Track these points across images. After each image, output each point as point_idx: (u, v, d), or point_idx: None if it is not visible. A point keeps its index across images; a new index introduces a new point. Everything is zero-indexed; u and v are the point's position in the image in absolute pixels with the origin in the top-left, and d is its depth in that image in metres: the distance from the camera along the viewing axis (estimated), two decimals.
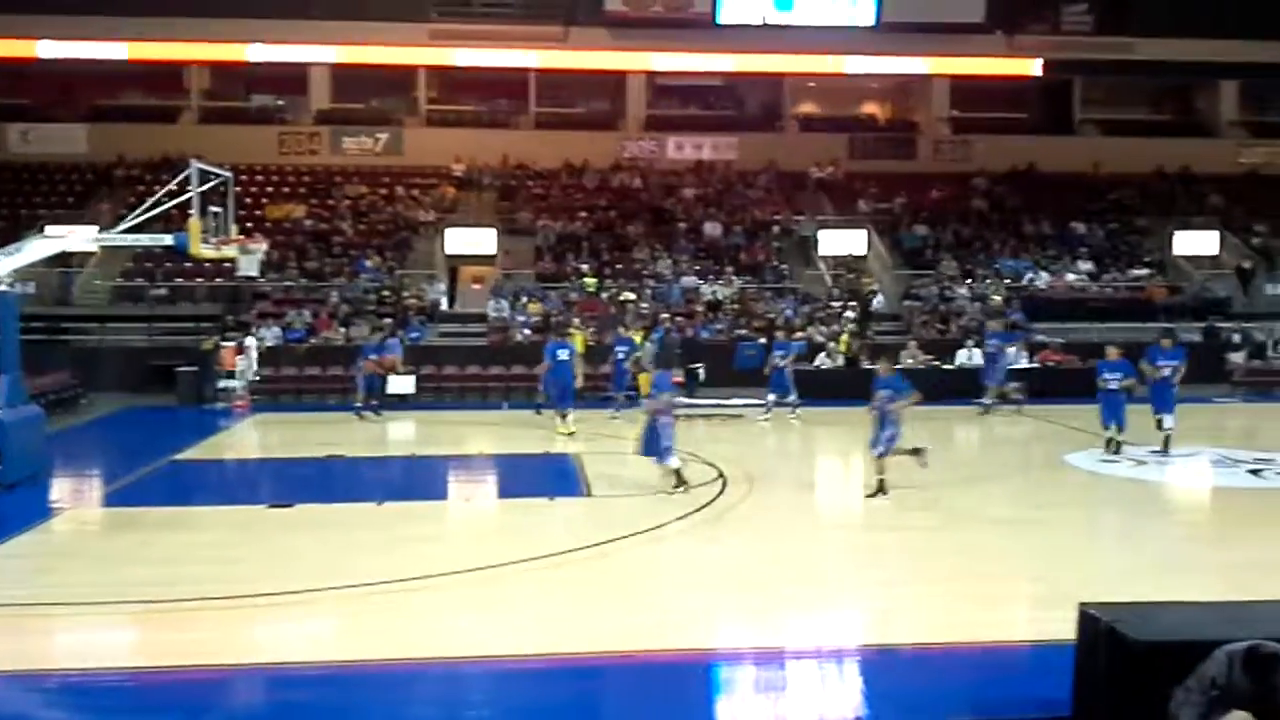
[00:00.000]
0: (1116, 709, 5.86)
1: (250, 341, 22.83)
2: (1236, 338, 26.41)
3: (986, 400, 21.43)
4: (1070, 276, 30.22)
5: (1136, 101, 39.47)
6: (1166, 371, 15.84)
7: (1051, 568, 9.83)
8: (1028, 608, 8.57)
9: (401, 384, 22.55)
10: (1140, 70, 35.86)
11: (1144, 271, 30.64)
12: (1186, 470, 15.26)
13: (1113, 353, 16.20)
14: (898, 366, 14.83)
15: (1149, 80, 37.83)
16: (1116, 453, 15.57)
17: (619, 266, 29.60)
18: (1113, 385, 15.69)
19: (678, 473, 12.94)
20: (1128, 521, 12.12)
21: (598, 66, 34.64)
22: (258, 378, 22.53)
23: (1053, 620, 7.45)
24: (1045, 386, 23.33)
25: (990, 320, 24.77)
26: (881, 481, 12.92)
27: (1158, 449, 15.75)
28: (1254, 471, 14.98)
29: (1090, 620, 6.23)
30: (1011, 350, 22.57)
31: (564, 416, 18.06)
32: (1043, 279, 29.74)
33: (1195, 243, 31.23)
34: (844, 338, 24.95)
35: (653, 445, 12.92)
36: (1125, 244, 32.29)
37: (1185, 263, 31.23)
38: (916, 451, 13.29)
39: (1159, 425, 15.76)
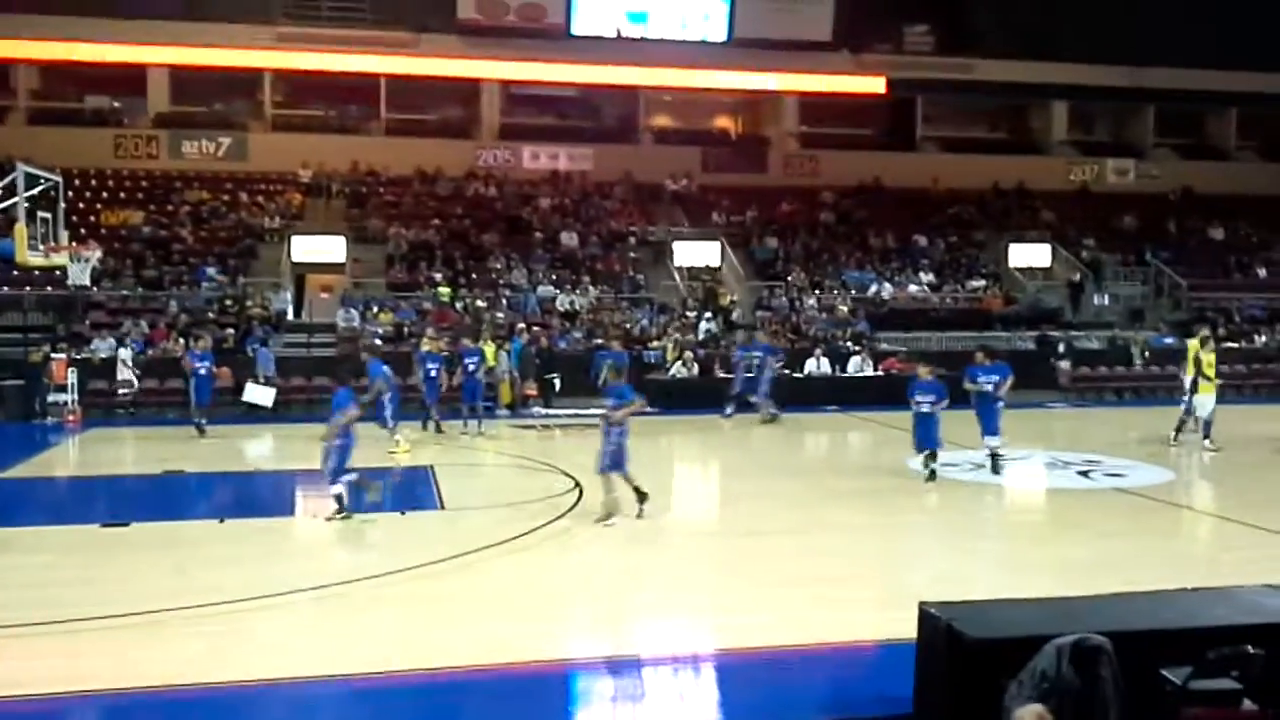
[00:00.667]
0: (955, 703, 6.06)
1: (124, 353, 21.87)
2: (1062, 347, 27.79)
3: (729, 410, 21.64)
4: (912, 288, 31.34)
5: (975, 120, 41.30)
6: (988, 388, 15.22)
7: (895, 569, 10.14)
8: (872, 609, 8.78)
9: (260, 395, 21.81)
10: (979, 90, 37.51)
11: (981, 283, 31.99)
12: (1020, 473, 15.93)
13: (924, 372, 15.37)
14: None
15: (987, 100, 39.57)
16: (931, 478, 14.46)
17: (474, 276, 29.32)
18: (924, 408, 14.61)
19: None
20: (966, 523, 12.59)
21: (451, 74, 34.29)
22: (130, 388, 21.79)
23: (896, 620, 7.66)
24: (889, 395, 24.08)
25: (756, 331, 24.88)
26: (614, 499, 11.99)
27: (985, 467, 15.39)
28: (1083, 473, 15.78)
29: (930, 619, 6.43)
30: (775, 363, 22.28)
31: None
32: (886, 290, 30.74)
33: (1029, 255, 32.86)
34: (669, 348, 25.25)
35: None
36: (964, 256, 33.68)
37: (1020, 275, 32.72)
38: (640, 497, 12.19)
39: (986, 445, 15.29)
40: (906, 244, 33.75)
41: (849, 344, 26.76)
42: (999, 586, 8.67)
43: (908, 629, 6.78)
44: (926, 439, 14.64)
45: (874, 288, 30.83)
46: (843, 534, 11.65)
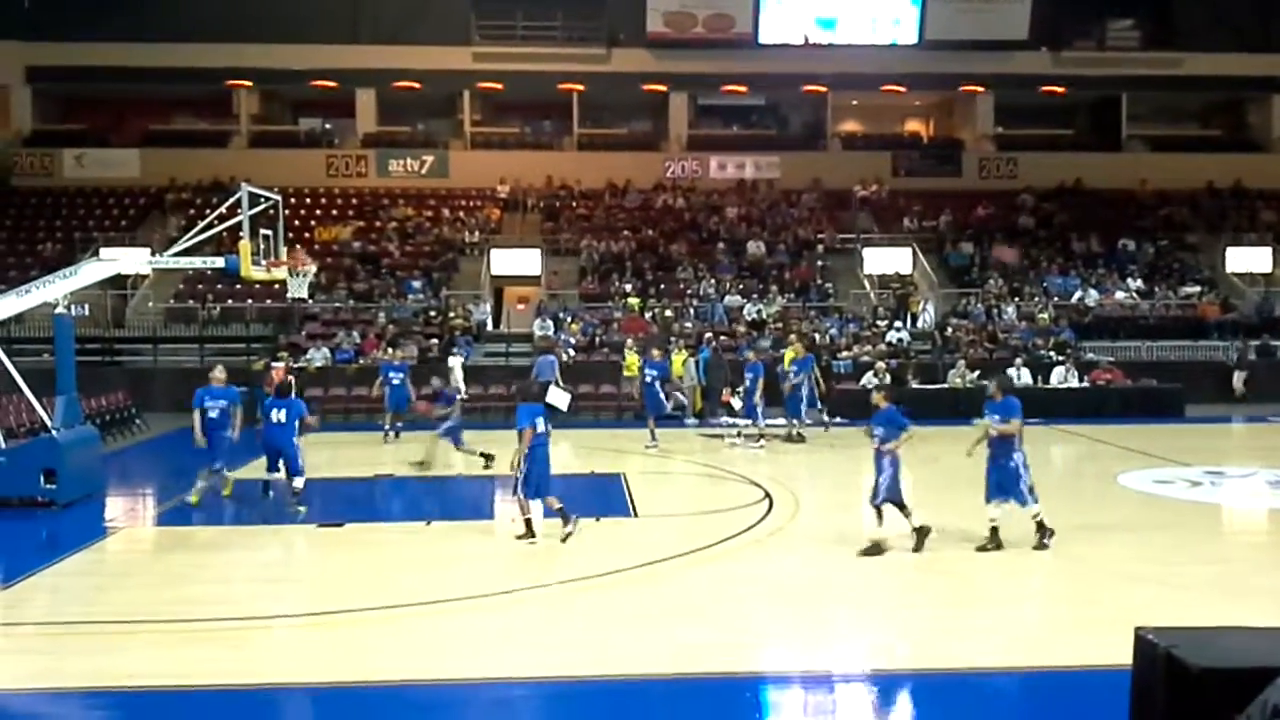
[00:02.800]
0: None
1: (454, 362, 23.03)
2: (1235, 356, 26.25)
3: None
4: (1120, 294, 29.87)
5: (1185, 117, 39.05)
6: (993, 432, 11.28)
7: (1105, 591, 9.68)
8: (1082, 632, 8.42)
9: (559, 398, 22.57)
10: (1189, 85, 35.52)
11: (1195, 289, 30.21)
12: (1243, 491, 14.98)
13: (994, 390, 11.84)
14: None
15: (1198, 95, 37.38)
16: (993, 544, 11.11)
17: (662, 286, 29.66)
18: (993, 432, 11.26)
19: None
20: (1183, 544, 11.89)
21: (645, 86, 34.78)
22: (465, 396, 23.04)
23: (1106, 645, 7.35)
24: (1096, 406, 23.14)
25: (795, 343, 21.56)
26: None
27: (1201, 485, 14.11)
28: None
29: (1147, 645, 6.12)
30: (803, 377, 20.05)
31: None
32: (1092, 296, 29.42)
33: (1248, 259, 30.77)
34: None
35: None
36: (1176, 261, 31.89)
37: (1238, 280, 30.77)
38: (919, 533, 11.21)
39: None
40: (1112, 248, 32.22)
41: (1051, 354, 25.73)
42: (1216, 613, 8.20)
43: (1118, 654, 6.49)
44: (999, 485, 11.19)
45: (1078, 294, 29.56)
46: (1046, 552, 11.20)
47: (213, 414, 13.78)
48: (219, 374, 14.30)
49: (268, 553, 11.48)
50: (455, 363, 22.51)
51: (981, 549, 11.07)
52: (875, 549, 10.99)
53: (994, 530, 11.19)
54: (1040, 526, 11.20)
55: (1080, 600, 9.43)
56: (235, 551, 11.51)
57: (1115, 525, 12.66)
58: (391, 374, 20.41)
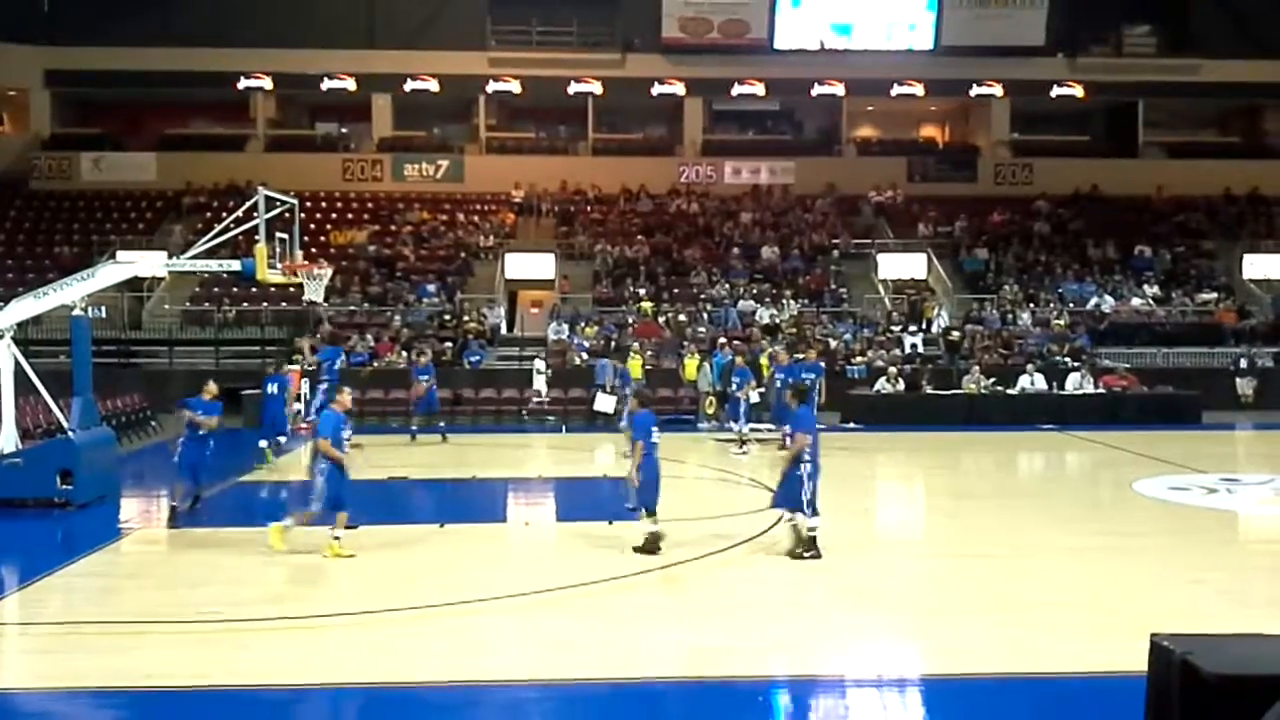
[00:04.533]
0: None
1: (539, 364, 23.84)
2: (1244, 363, 26.18)
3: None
4: (1136, 301, 29.75)
5: (1203, 124, 38.85)
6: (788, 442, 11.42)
7: (1120, 598, 9.63)
8: (1097, 638, 8.38)
9: (606, 403, 22.78)
10: (1206, 92, 35.36)
11: (1212, 295, 30.06)
12: (1259, 498, 14.88)
13: None
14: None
15: (1216, 102, 37.22)
16: None
17: (676, 290, 29.66)
18: None
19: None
20: (1200, 551, 11.81)
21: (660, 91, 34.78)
22: (546, 399, 23.47)
23: (1120, 651, 7.32)
24: (1112, 412, 23.08)
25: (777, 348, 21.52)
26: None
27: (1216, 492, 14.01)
28: None
29: (1162, 652, 6.08)
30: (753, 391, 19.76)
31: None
32: (1107, 303, 29.30)
33: (1265, 266, 30.60)
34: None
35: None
36: (1193, 267, 31.72)
37: (1255, 286, 30.60)
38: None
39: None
40: (1128, 254, 32.09)
41: (1067, 359, 25.65)
42: (1232, 620, 8.14)
43: (1133, 661, 6.46)
44: (786, 494, 11.00)
45: (1093, 300, 29.44)
46: (1061, 558, 11.16)
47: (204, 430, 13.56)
48: (211, 388, 14.20)
49: (281, 555, 11.49)
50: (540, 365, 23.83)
51: (794, 555, 10.86)
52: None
53: (795, 532, 10.99)
54: (810, 543, 10.82)
55: (1096, 607, 9.37)
56: (248, 553, 11.53)
57: (1130, 532, 12.60)
58: (421, 377, 20.54)
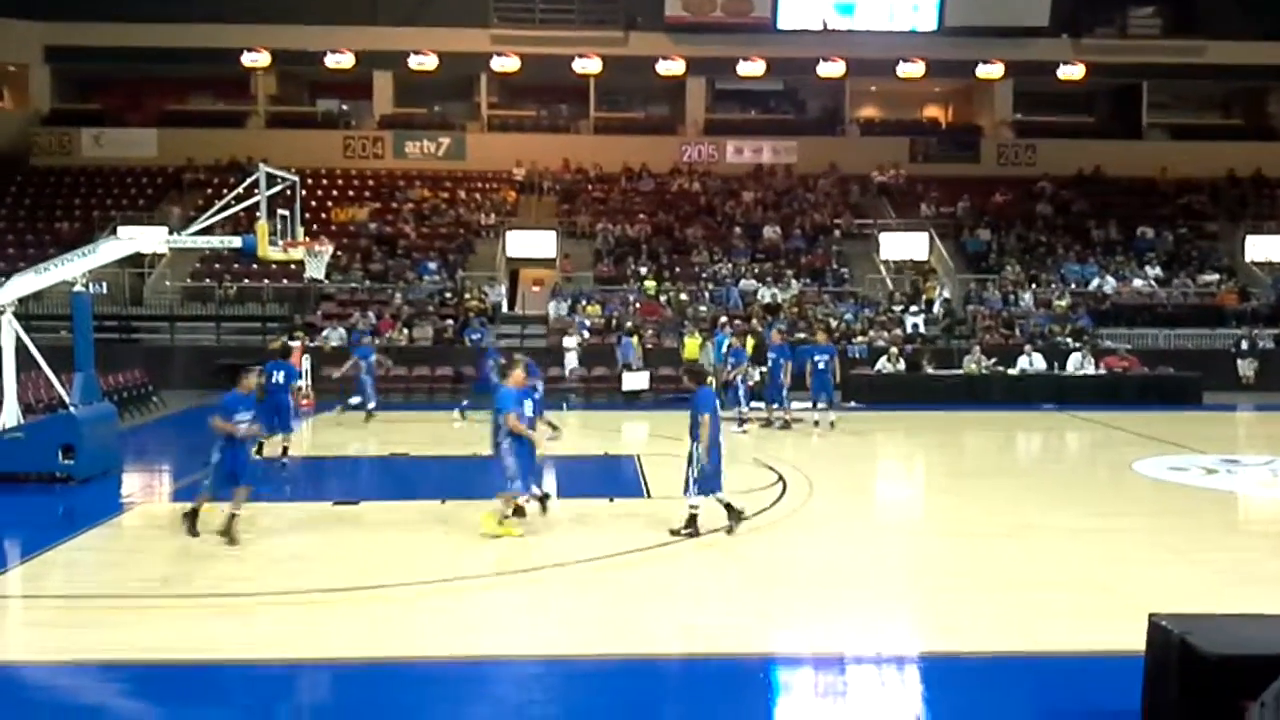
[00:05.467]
0: None
1: (569, 341, 24.21)
2: (1245, 344, 26.29)
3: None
4: (1138, 282, 29.72)
5: (1207, 105, 38.74)
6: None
7: (1119, 577, 9.65)
8: (1094, 618, 8.40)
9: (637, 381, 22.78)
10: (1211, 73, 35.21)
11: (1214, 277, 30.03)
12: (1259, 479, 14.90)
13: None
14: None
15: (1220, 83, 37.06)
16: None
17: (678, 270, 29.63)
18: None
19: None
20: (1198, 531, 11.83)
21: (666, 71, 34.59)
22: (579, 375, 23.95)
23: (1118, 630, 7.35)
24: (1112, 393, 23.09)
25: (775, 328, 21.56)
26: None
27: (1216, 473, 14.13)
28: None
29: (1161, 631, 6.12)
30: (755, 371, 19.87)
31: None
32: (1109, 284, 29.27)
33: (1268, 247, 30.53)
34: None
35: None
36: (1195, 249, 31.68)
37: (1257, 269, 30.56)
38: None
39: None
40: (1131, 236, 32.06)
41: (1068, 340, 25.65)
42: (1230, 600, 8.17)
43: (1131, 640, 6.49)
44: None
45: (1095, 282, 29.41)
46: (1060, 537, 11.18)
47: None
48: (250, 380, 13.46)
49: (282, 530, 11.53)
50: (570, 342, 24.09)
51: (676, 532, 10.83)
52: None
53: (728, 510, 10.97)
54: (690, 520, 10.85)
55: (1094, 586, 9.40)
56: (250, 528, 11.56)
57: (1129, 512, 12.63)
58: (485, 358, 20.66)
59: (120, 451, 15.22)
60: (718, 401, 11.22)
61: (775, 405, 19.31)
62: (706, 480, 10.89)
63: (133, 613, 8.59)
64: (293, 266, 21.94)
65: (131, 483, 14.61)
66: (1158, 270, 30.25)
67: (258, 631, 8.13)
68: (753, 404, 19.40)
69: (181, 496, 13.36)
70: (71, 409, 14.08)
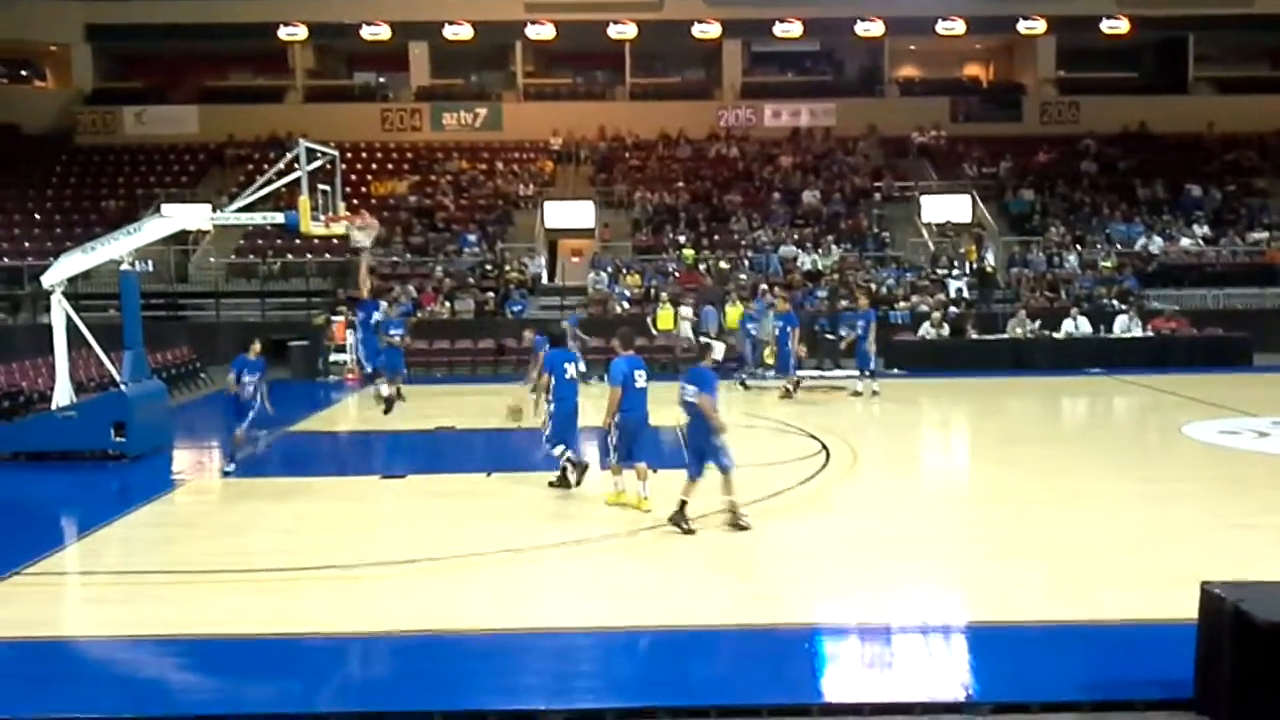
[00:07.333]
0: (1242, 691, 5.71)
1: (685, 310, 23.85)
2: None
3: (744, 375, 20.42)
4: (1185, 241, 29.21)
5: (1255, 58, 37.79)
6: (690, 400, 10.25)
7: (1171, 544, 9.56)
8: (1147, 585, 8.33)
9: (719, 350, 22.65)
10: (1259, 24, 34.35)
11: (1264, 235, 29.44)
12: None
13: None
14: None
15: (1268, 34, 36.14)
16: None
17: (716, 237, 29.49)
18: None
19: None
20: (1252, 496, 11.65)
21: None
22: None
23: (1170, 598, 7.28)
24: (1160, 355, 22.77)
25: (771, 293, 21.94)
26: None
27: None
28: None
29: (1214, 599, 6.06)
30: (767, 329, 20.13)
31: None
32: (1156, 244, 28.80)
33: None
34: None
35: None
36: (1244, 206, 31.08)
37: None
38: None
39: None
40: (1178, 194, 31.48)
41: (1114, 302, 25.29)
42: None
43: (1184, 609, 6.42)
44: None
45: (1141, 241, 28.93)
46: (1109, 503, 11.08)
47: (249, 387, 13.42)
48: (256, 345, 13.87)
49: (331, 504, 11.67)
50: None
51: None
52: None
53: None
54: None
55: (1145, 553, 9.32)
56: (299, 503, 11.72)
57: (1180, 477, 12.49)
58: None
59: (171, 428, 15.46)
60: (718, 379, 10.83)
61: (783, 373, 19.31)
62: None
63: (188, 587, 8.75)
64: (335, 241, 22.05)
65: (182, 459, 14.85)
66: (1205, 229, 29.69)
67: (310, 605, 8.25)
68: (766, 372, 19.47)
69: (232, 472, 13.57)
70: (122, 387, 14.30)
